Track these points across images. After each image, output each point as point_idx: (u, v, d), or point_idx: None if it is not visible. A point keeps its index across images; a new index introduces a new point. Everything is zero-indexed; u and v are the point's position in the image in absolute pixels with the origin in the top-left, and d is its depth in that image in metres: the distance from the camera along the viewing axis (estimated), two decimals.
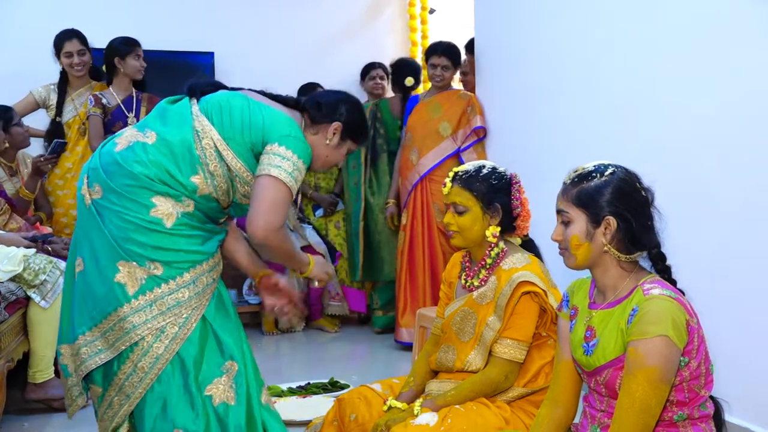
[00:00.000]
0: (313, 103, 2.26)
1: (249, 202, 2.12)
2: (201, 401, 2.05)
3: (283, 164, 2.06)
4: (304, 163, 2.12)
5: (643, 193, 1.74)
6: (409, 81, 4.86)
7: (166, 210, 2.04)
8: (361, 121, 2.33)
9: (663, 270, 1.75)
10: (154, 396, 2.05)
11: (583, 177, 1.74)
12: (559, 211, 1.77)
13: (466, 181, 2.22)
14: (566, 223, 1.75)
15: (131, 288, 2.01)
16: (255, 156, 2.12)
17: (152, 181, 2.03)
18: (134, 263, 2.01)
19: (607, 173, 1.73)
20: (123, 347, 2.02)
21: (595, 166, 1.76)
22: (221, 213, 2.19)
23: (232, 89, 2.24)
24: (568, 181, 1.77)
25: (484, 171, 2.23)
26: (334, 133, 2.24)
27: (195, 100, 2.16)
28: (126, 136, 2.13)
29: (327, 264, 2.38)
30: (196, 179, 2.06)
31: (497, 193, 2.21)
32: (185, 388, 2.05)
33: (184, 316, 2.05)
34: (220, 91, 2.20)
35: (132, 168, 2.03)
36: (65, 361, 2.17)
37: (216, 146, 2.08)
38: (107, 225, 2.03)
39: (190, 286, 2.06)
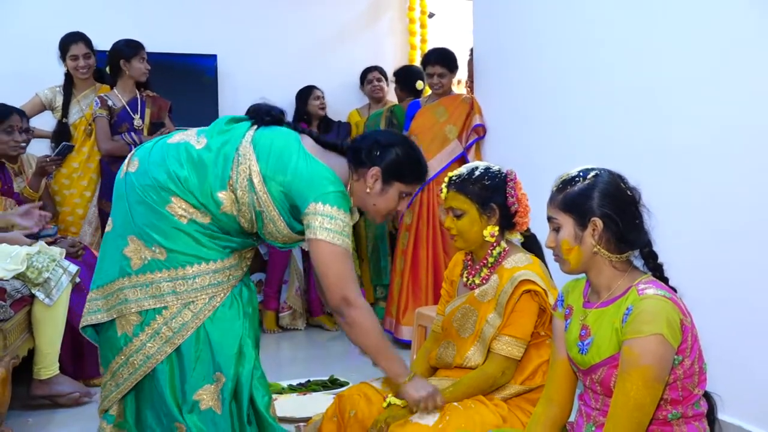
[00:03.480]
0: (352, 149, 2.16)
1: (275, 239, 2.13)
2: (188, 401, 2.10)
3: (333, 225, 2.00)
4: (350, 214, 2.09)
5: (629, 192, 1.76)
6: (420, 85, 4.94)
7: (179, 210, 2.08)
8: (407, 160, 2.15)
9: (655, 268, 1.77)
10: (144, 388, 2.13)
11: (568, 182, 1.78)
12: (549, 219, 1.80)
13: (460, 185, 2.25)
14: (556, 230, 1.78)
15: (134, 264, 2.08)
16: (290, 205, 2.08)
17: (179, 182, 2.07)
18: (142, 242, 2.08)
19: (589, 176, 1.76)
20: (115, 315, 2.11)
21: (579, 171, 1.79)
22: (245, 235, 2.16)
23: (291, 128, 2.20)
24: (555, 189, 1.80)
25: (477, 173, 2.26)
26: (374, 179, 2.13)
27: (255, 127, 2.14)
28: (186, 133, 2.17)
29: (428, 387, 2.08)
30: (222, 195, 2.06)
31: (492, 193, 2.23)
32: (173, 387, 2.11)
33: (181, 322, 2.08)
34: (279, 128, 2.16)
35: (169, 163, 2.08)
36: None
37: (251, 176, 2.04)
38: (129, 198, 2.11)
39: (190, 280, 2.08)
